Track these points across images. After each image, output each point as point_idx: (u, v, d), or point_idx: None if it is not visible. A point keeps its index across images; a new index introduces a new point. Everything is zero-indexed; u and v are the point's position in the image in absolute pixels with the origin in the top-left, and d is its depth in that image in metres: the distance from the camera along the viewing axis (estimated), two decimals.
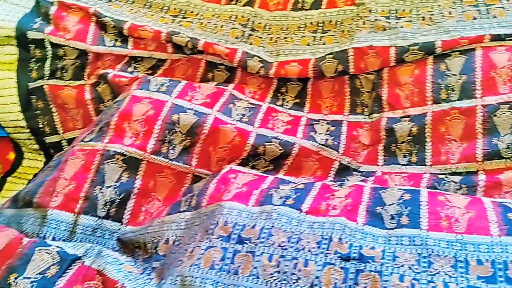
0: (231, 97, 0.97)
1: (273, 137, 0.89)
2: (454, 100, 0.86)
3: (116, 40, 1.07)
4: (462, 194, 0.77)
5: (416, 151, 0.88)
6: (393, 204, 0.70)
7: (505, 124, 0.81)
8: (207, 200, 0.76)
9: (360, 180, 0.83)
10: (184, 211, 0.78)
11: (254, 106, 0.96)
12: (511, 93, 0.82)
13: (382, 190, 0.75)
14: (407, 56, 0.92)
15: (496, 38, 0.87)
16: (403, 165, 0.87)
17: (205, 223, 0.72)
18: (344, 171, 0.89)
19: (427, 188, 0.79)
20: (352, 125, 0.95)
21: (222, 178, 0.80)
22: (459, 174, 0.82)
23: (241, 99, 0.98)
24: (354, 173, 0.89)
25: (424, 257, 0.60)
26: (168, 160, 0.85)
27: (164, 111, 0.88)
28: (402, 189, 0.74)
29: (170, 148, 0.86)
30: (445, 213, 0.66)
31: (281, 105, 1.00)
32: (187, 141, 0.87)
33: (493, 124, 0.82)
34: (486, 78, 0.84)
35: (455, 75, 0.87)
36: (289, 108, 1.00)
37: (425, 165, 0.85)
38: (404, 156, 0.88)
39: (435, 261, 0.59)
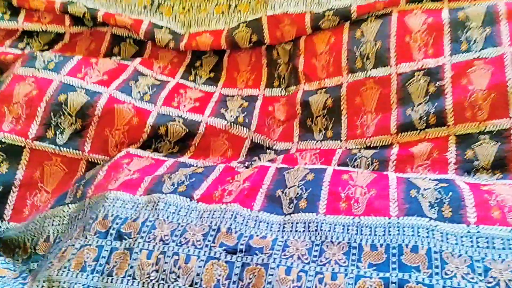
0: (135, 73, 0.88)
1: (177, 116, 0.80)
2: (369, 69, 0.80)
3: (4, 13, 0.94)
4: (373, 170, 0.71)
5: (331, 125, 0.82)
6: (294, 186, 0.64)
7: (419, 93, 0.75)
8: (92, 190, 0.68)
9: (269, 160, 0.76)
10: (69, 203, 0.69)
11: (160, 82, 0.87)
12: (426, 59, 0.76)
13: (287, 171, 0.68)
14: (323, 23, 0.85)
15: (412, 0, 0.81)
16: (319, 140, 0.81)
17: (87, 216, 0.64)
18: (257, 150, 0.82)
19: (338, 165, 0.73)
20: (268, 100, 0.88)
21: (113, 164, 0.72)
22: (375, 148, 0.76)
23: (146, 75, 0.88)
24: (268, 151, 0.82)
25: (317, 245, 0.54)
26: (55, 146, 0.76)
27: (50, 91, 0.77)
28: (307, 169, 0.68)
29: (57, 132, 0.76)
30: (346, 194, 0.61)
31: (194, 81, 0.92)
32: (77, 124, 0.77)
33: (407, 93, 0.76)
34: (400, 44, 0.78)
35: (370, 41, 0.81)
36: (202, 84, 0.92)
37: (341, 139, 0.80)
38: (320, 131, 0.82)
39: (328, 248, 0.54)
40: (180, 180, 0.67)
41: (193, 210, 0.62)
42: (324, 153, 0.76)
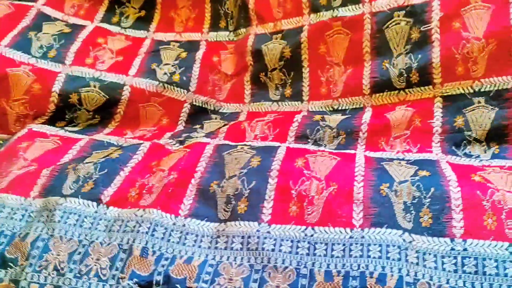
0: (39, 18, 0.68)
1: (92, 79, 0.63)
2: (337, 7, 0.62)
3: None
4: (339, 143, 0.57)
5: (290, 81, 0.65)
6: (234, 176, 0.50)
7: (400, 40, 0.58)
8: None
9: (210, 133, 0.60)
10: None
11: (71, 30, 0.68)
12: None
13: (228, 151, 0.54)
14: None
15: None
16: (275, 101, 0.65)
17: None
18: (199, 115, 0.66)
19: (297, 137, 0.58)
20: (212, 47, 0.70)
21: (7, 151, 0.56)
22: (343, 111, 0.61)
23: (53, 20, 0.69)
24: (214, 116, 0.67)
25: (257, 271, 0.42)
26: None
27: None
28: (252, 149, 0.53)
29: None
30: (298, 191, 0.47)
31: (118, 23, 0.73)
32: None
33: (384, 40, 0.59)
34: None
35: None
36: (129, 27, 0.72)
37: (302, 100, 0.64)
38: (277, 89, 0.66)
39: (270, 277, 0.41)
40: (88, 173, 0.52)
41: (100, 219, 0.48)
42: (279, 122, 0.60)
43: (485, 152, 0.52)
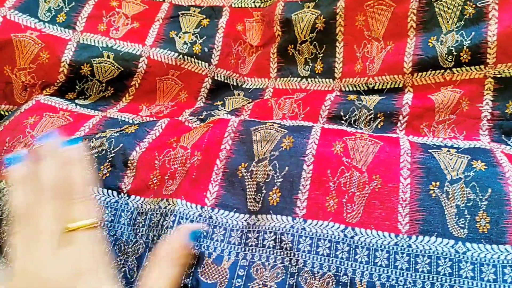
0: None
1: (105, 48, 0.57)
2: None
3: None
4: (376, 126, 0.52)
5: (322, 55, 0.59)
6: (264, 159, 0.45)
7: (451, 15, 0.52)
8: None
9: (233, 110, 0.55)
10: None
11: None
12: None
13: (256, 127, 0.49)
14: None
15: None
16: (304, 77, 0.60)
17: None
18: (221, 90, 0.61)
19: (329, 118, 0.53)
20: (237, 14, 0.64)
21: (13, 124, 0.51)
22: (380, 91, 0.56)
23: None
24: (236, 92, 0.61)
25: (292, 276, 0.38)
26: None
27: None
28: (283, 128, 0.48)
29: None
30: (337, 182, 0.42)
31: None
32: None
33: (433, 14, 0.53)
34: None
35: None
36: None
37: (334, 77, 0.58)
38: (306, 63, 0.60)
39: (307, 284, 0.37)
40: (101, 151, 0.47)
41: (123, 211, 0.43)
42: (309, 100, 0.55)
43: None
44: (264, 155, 0.46)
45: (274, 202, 0.43)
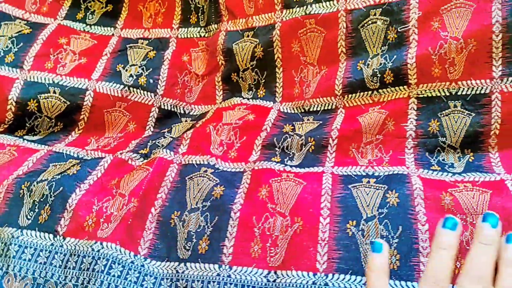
0: None
1: (52, 84, 0.59)
2: (310, 3, 0.58)
3: None
4: (308, 151, 0.55)
5: (264, 81, 0.62)
6: (196, 210, 0.47)
7: (376, 40, 0.55)
8: None
9: (170, 145, 0.57)
10: None
11: (30, 30, 0.64)
12: None
13: (191, 175, 0.51)
14: None
15: None
16: (247, 98, 0.62)
17: None
18: (168, 119, 0.64)
19: (263, 145, 0.56)
20: (182, 45, 0.67)
21: None
22: (315, 113, 0.58)
23: (14, 19, 0.65)
24: (183, 119, 0.64)
25: None
26: None
27: None
28: (216, 177, 0.50)
29: None
30: (261, 228, 0.45)
31: (83, 20, 0.69)
32: None
33: (360, 39, 0.56)
34: None
35: None
36: (95, 24, 0.68)
37: (275, 101, 0.61)
38: (250, 89, 0.63)
39: None
40: (43, 195, 0.49)
41: (56, 253, 0.45)
42: (246, 129, 0.57)
43: (460, 160, 0.50)
44: (196, 204, 0.48)
45: (203, 250, 0.45)
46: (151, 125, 0.62)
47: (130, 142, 0.59)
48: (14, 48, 0.61)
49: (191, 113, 0.64)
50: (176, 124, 0.62)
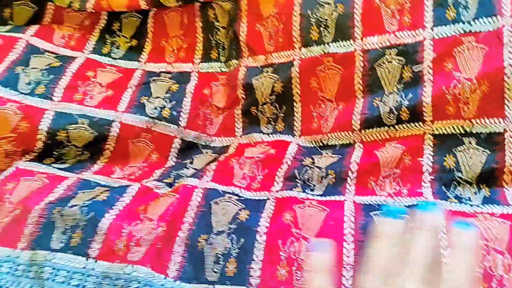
0: (27, 51, 0.67)
1: (81, 116, 0.62)
2: (328, 43, 0.61)
3: None
4: (328, 183, 0.56)
5: (282, 115, 0.65)
6: (222, 232, 0.49)
7: (391, 78, 0.58)
8: None
9: (196, 174, 0.59)
10: None
11: (60, 64, 0.67)
12: (401, 31, 0.57)
13: (216, 199, 0.53)
14: None
15: None
16: (267, 134, 0.65)
17: None
18: (190, 150, 0.66)
19: (285, 178, 0.58)
20: (204, 79, 0.70)
21: None
22: (333, 147, 0.61)
23: (42, 53, 0.68)
24: (204, 150, 0.66)
25: None
26: None
27: None
28: (240, 202, 0.52)
29: None
30: (287, 252, 0.46)
31: (109, 54, 0.72)
32: None
33: (376, 77, 0.59)
34: (368, 8, 0.59)
35: (329, 3, 0.61)
36: (120, 58, 0.71)
37: (294, 135, 0.63)
38: (269, 123, 0.65)
39: None
40: (74, 220, 0.51)
41: (89, 276, 0.47)
42: (268, 162, 0.59)
43: (476, 195, 0.52)
44: (222, 227, 0.50)
45: (231, 273, 0.46)
46: (174, 155, 0.65)
47: (154, 172, 0.61)
48: (45, 80, 0.64)
49: (211, 145, 0.66)
50: (198, 156, 0.65)
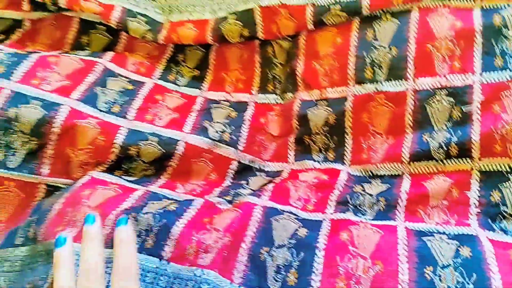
0: (105, 73, 0.74)
1: (151, 134, 0.68)
2: (381, 81, 0.66)
3: None
4: (379, 209, 0.60)
5: (333, 145, 0.69)
6: (283, 246, 0.53)
7: (441, 116, 0.63)
8: (44, 231, 0.57)
9: (256, 191, 0.64)
10: (19, 244, 0.59)
11: (133, 87, 0.74)
12: (451, 75, 0.63)
13: (275, 217, 0.57)
14: (327, 18, 0.71)
15: None
16: (317, 161, 0.69)
17: (38, 271, 0.53)
18: (245, 172, 0.71)
19: (337, 202, 0.62)
20: (260, 109, 0.75)
21: (71, 198, 0.61)
22: (382, 177, 0.65)
23: (118, 76, 0.75)
24: (258, 173, 0.71)
25: None
26: (7, 170, 0.64)
27: None
28: (298, 219, 0.56)
29: (8, 154, 0.64)
30: (345, 268, 0.50)
31: (174, 81, 0.79)
32: (32, 143, 0.65)
33: (425, 115, 0.64)
34: (420, 52, 0.64)
35: (384, 47, 0.67)
36: (184, 85, 0.78)
37: (344, 163, 0.68)
38: (320, 151, 0.70)
39: None
40: (148, 224, 0.55)
41: (162, 275, 0.51)
42: (321, 187, 0.64)
43: None
44: (283, 242, 0.54)
45: (292, 282, 0.50)
46: (230, 176, 0.70)
47: (214, 190, 0.66)
48: (120, 100, 0.71)
49: (265, 169, 0.71)
50: (253, 177, 0.69)
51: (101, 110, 0.69)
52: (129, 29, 0.78)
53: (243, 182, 0.69)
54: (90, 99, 0.69)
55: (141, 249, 0.53)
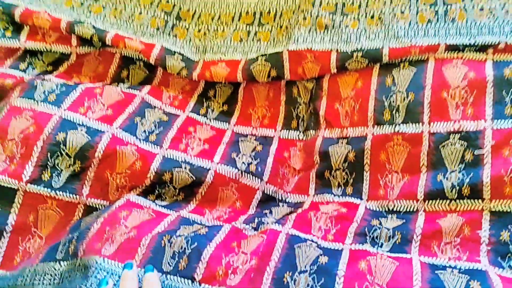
0: (143, 105, 0.81)
1: (184, 162, 0.74)
2: (399, 123, 0.72)
3: (6, 29, 0.88)
4: (395, 242, 0.64)
5: (352, 181, 0.74)
6: (305, 272, 0.57)
7: (454, 159, 0.67)
8: (84, 248, 0.62)
9: (280, 219, 0.69)
10: (60, 259, 0.63)
11: (168, 119, 0.81)
12: (464, 121, 0.68)
13: (298, 244, 0.62)
14: (349, 64, 0.77)
15: (453, 48, 0.72)
16: (337, 195, 0.74)
17: (76, 282, 0.58)
18: (268, 202, 0.76)
19: (356, 233, 0.66)
20: (284, 144, 0.81)
21: (110, 217, 0.66)
22: (397, 212, 0.69)
23: (154, 107, 0.82)
24: (281, 204, 0.76)
25: None
26: (51, 190, 0.70)
27: (48, 129, 0.71)
28: (319, 247, 0.61)
29: (54, 175, 0.70)
30: None
31: (205, 115, 0.85)
32: (76, 166, 0.71)
33: (440, 156, 0.68)
34: (436, 99, 0.70)
35: (401, 92, 0.73)
36: (214, 118, 0.85)
37: (361, 198, 0.72)
38: (339, 186, 0.75)
39: None
40: (181, 247, 0.60)
41: None
42: (341, 219, 0.68)
43: None
44: (305, 267, 0.59)
45: None
46: (254, 204, 0.74)
47: (239, 217, 0.71)
48: (156, 130, 0.77)
49: (287, 200, 0.76)
50: (276, 207, 0.74)
51: (139, 138, 0.75)
52: (167, 66, 0.85)
53: (266, 211, 0.74)
54: (130, 127, 0.76)
55: (175, 271, 0.58)
